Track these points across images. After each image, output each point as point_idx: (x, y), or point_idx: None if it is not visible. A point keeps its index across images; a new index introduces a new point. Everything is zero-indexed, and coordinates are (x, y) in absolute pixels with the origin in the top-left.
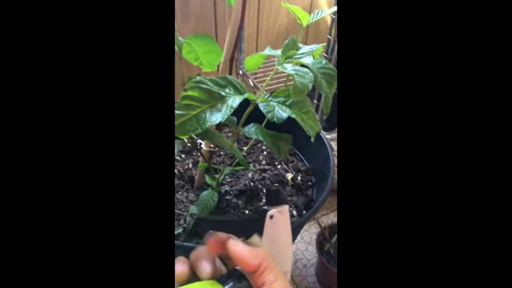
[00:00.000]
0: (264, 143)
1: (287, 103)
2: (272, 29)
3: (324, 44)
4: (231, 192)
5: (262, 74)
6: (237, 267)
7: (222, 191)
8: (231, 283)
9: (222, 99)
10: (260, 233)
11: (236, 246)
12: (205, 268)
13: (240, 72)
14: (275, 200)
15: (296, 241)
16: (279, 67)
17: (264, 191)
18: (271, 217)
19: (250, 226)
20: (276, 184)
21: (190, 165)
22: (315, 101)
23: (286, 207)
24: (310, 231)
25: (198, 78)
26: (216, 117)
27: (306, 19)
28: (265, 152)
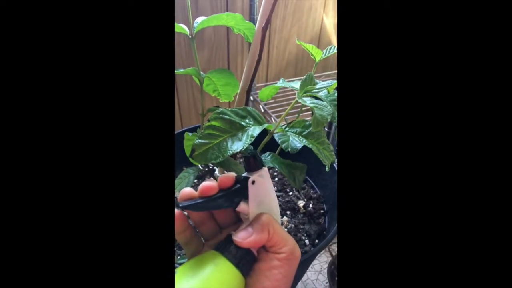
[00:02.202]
0: (276, 170)
1: (304, 133)
2: (282, 57)
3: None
4: None
5: (272, 101)
6: (232, 232)
7: None
8: (231, 251)
9: (242, 128)
10: (246, 198)
11: (245, 239)
12: (204, 183)
13: (252, 98)
14: (253, 166)
15: (306, 270)
16: (299, 100)
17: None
18: (253, 182)
19: (236, 197)
20: (249, 152)
21: None
22: (326, 129)
23: (265, 169)
24: (320, 260)
25: (220, 109)
26: (237, 146)
27: (319, 55)
28: (276, 179)
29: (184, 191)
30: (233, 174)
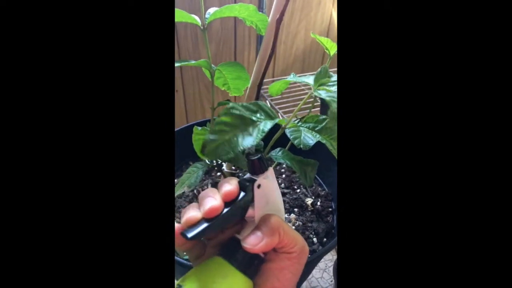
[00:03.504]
0: (283, 166)
1: (317, 128)
2: (290, 53)
3: None
4: None
5: (279, 96)
6: (236, 235)
7: None
8: (237, 258)
9: (253, 123)
10: (252, 202)
11: (255, 245)
12: (207, 201)
13: None
14: (258, 169)
15: None
16: (315, 93)
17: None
18: (259, 186)
19: (243, 207)
20: (255, 152)
21: (209, 186)
22: None
23: (270, 169)
24: (325, 258)
25: (230, 104)
26: (248, 141)
27: (333, 49)
28: (284, 175)
29: (189, 219)
30: (235, 182)
